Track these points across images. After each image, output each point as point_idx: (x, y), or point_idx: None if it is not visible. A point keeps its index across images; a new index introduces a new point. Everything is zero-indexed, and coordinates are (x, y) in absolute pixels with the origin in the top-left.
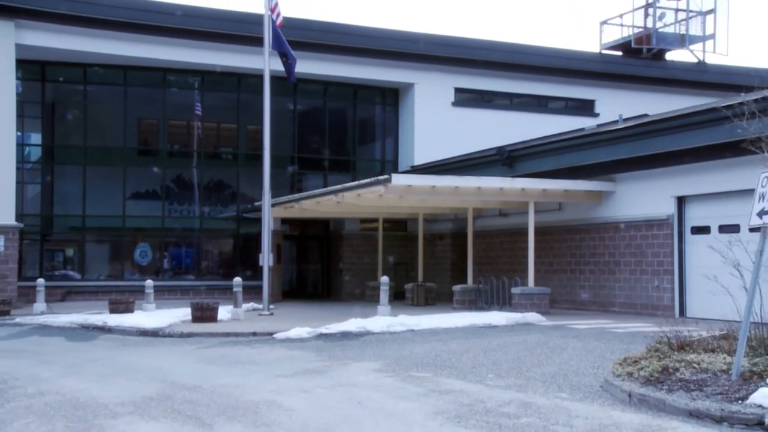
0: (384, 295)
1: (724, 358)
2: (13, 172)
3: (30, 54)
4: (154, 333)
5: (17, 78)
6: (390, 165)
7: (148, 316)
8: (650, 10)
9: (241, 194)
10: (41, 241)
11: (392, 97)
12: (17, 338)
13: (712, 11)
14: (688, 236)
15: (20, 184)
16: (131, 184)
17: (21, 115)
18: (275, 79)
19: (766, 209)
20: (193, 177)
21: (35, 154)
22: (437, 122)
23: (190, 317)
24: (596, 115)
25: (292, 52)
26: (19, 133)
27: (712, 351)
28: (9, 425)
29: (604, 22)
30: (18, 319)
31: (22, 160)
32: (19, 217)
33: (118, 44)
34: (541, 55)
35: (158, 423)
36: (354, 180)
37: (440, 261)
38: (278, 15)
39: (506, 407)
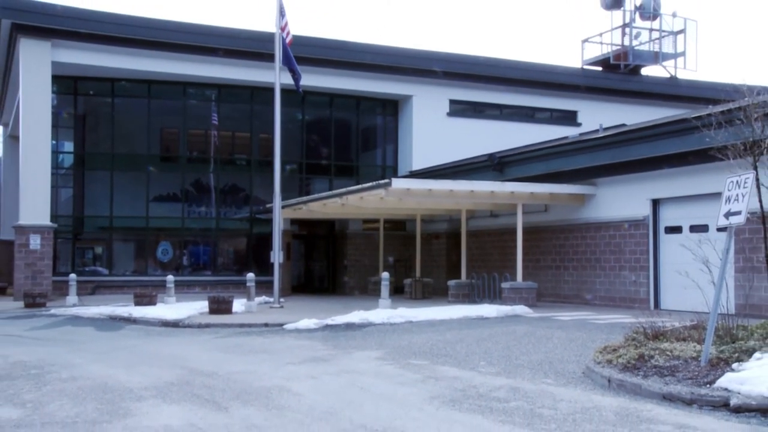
0: (385, 289)
1: (694, 347)
2: (48, 178)
3: (64, 70)
4: (175, 324)
5: (52, 92)
6: (390, 170)
7: (169, 308)
8: (627, 30)
9: (253, 197)
10: (73, 239)
11: (392, 107)
12: (52, 328)
13: (682, 31)
14: (662, 235)
15: (54, 188)
16: (154, 188)
17: (55, 126)
18: (285, 91)
19: (732, 211)
20: (210, 181)
21: (68, 160)
22: (433, 131)
23: (207, 309)
24: (579, 124)
25: (298, 68)
26: (53, 142)
27: (684, 340)
28: (46, 406)
29: (585, 40)
30: (53, 311)
31: (56, 166)
32: (54, 218)
33: (143, 60)
34: (529, 69)
35: (179, 406)
36: (357, 184)
37: (436, 258)
38: (288, 33)
39: (497, 392)
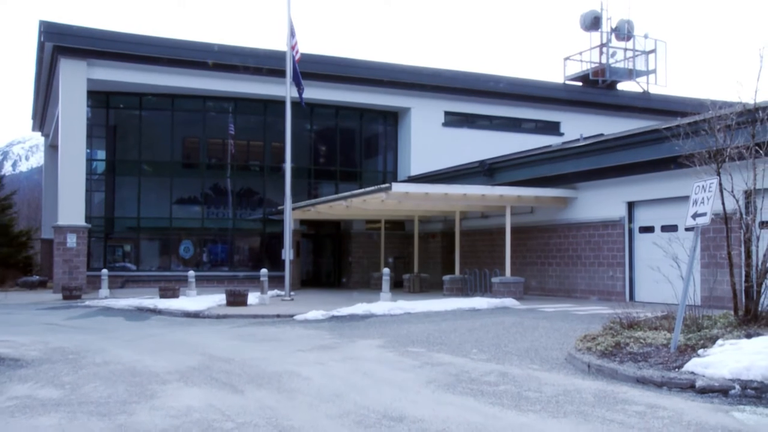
0: (385, 284)
1: (665, 335)
2: (83, 183)
3: (98, 86)
4: (196, 314)
5: (87, 105)
6: (390, 175)
7: (191, 300)
8: (604, 49)
9: (266, 200)
10: (105, 238)
11: (392, 118)
12: (87, 318)
13: (653, 51)
14: (637, 234)
15: (88, 192)
16: (177, 192)
17: (90, 136)
18: (295, 104)
19: (698, 212)
20: (227, 185)
21: (100, 167)
22: (430, 139)
23: (224, 302)
24: (561, 134)
25: (303, 83)
26: (88, 150)
27: (655, 329)
28: (82, 387)
29: (567, 58)
30: (87, 302)
31: (90, 172)
32: (88, 219)
33: (167, 77)
34: (516, 84)
35: (199, 388)
36: (360, 188)
37: (432, 255)
38: (297, 52)
39: (487, 377)
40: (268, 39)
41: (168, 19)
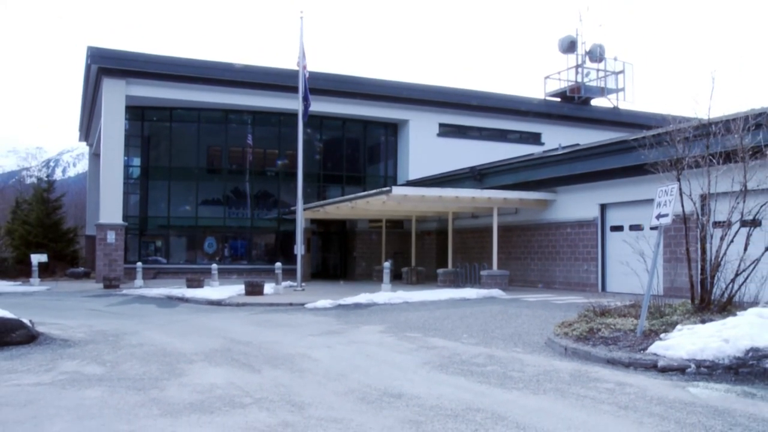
0: (386, 276)
1: (632, 321)
2: (120, 186)
3: (134, 102)
4: (218, 303)
5: (125, 119)
6: (391, 180)
7: (214, 290)
8: (579, 70)
9: (281, 201)
10: (139, 235)
11: (392, 129)
12: (124, 305)
13: (622, 72)
14: (608, 233)
15: (126, 194)
16: (202, 194)
17: (127, 145)
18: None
19: (661, 213)
20: (246, 189)
21: (136, 172)
22: (426, 148)
23: (243, 291)
24: (542, 144)
25: (310, 100)
26: (125, 158)
27: (624, 316)
28: (121, 365)
29: (547, 77)
30: (124, 291)
31: (127, 177)
32: (125, 218)
33: (194, 93)
34: (502, 99)
35: (222, 368)
36: (364, 191)
37: (428, 251)
38: (306, 71)
39: (476, 359)
40: (279, 50)
41: (193, 37)
